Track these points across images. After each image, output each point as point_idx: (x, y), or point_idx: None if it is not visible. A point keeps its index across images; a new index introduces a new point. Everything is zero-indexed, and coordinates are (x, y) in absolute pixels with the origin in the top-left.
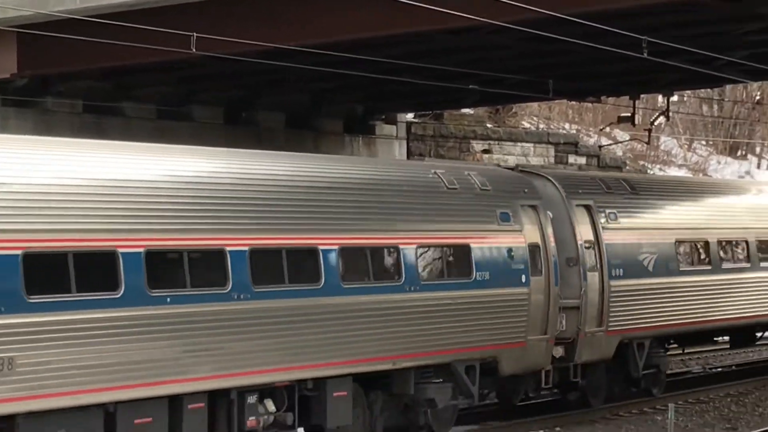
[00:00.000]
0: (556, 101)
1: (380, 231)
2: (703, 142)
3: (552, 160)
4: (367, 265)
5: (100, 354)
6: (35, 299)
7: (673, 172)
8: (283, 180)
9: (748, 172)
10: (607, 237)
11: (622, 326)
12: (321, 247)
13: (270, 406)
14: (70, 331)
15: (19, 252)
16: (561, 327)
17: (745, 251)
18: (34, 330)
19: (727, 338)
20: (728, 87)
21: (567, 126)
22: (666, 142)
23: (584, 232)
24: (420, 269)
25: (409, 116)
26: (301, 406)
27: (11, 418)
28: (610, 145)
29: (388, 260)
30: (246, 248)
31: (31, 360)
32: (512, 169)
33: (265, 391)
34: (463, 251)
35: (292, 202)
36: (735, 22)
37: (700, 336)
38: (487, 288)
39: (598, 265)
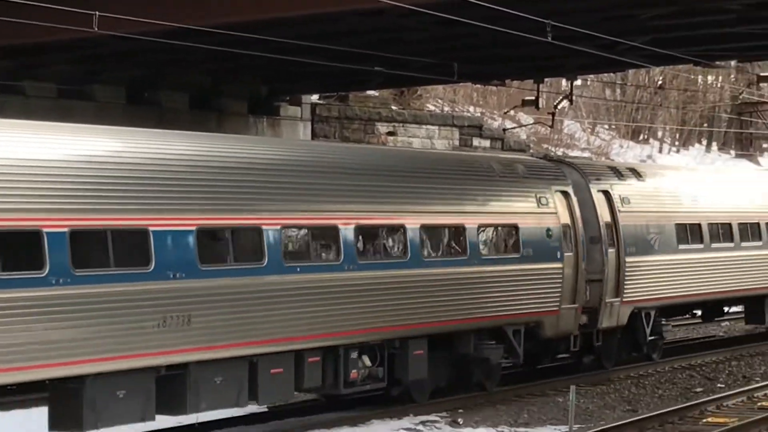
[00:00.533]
0: (461, 84)
1: (451, 213)
2: (606, 126)
3: (457, 142)
4: (441, 243)
5: (249, 315)
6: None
7: (576, 155)
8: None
9: (649, 156)
10: (622, 219)
11: (635, 297)
12: (409, 226)
13: (366, 361)
14: (233, 296)
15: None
16: (586, 297)
17: (729, 233)
18: (207, 293)
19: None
20: (631, 72)
21: (471, 109)
22: (569, 125)
23: (604, 214)
24: (480, 246)
25: (314, 98)
26: (389, 362)
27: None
28: (514, 128)
29: (457, 238)
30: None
31: (204, 318)
32: (544, 158)
33: (363, 348)
34: (513, 230)
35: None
36: (639, 7)
37: (696, 307)
38: (531, 263)
39: (615, 244)
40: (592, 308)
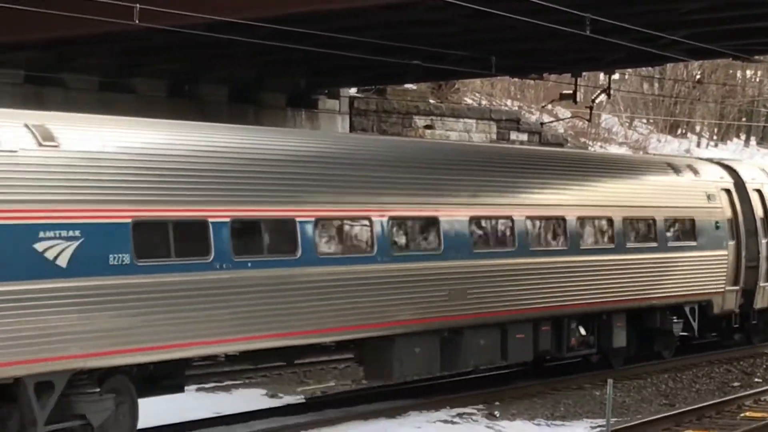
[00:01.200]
0: (499, 78)
1: (645, 208)
2: (644, 120)
3: (494, 136)
4: (637, 232)
5: (504, 291)
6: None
7: (614, 149)
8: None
9: (687, 151)
10: None
11: None
12: (616, 219)
13: (582, 330)
14: (496, 274)
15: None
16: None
17: None
18: (478, 272)
19: None
20: (669, 65)
21: (509, 103)
22: (607, 119)
23: (758, 209)
24: (668, 235)
25: (352, 91)
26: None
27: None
28: (551, 122)
29: (649, 229)
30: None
31: (476, 292)
32: (709, 160)
33: (580, 319)
34: (691, 223)
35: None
36: (678, 0)
37: None
38: (704, 250)
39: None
40: (748, 291)
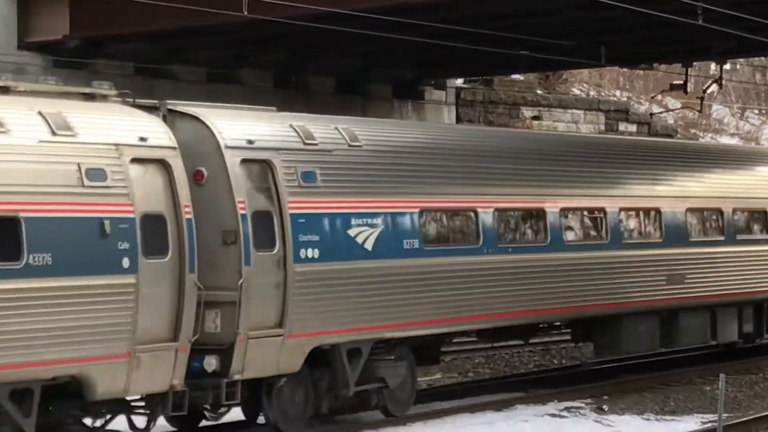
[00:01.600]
0: (607, 68)
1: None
2: (756, 111)
3: (602, 127)
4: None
5: (711, 278)
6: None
7: (725, 140)
8: None
9: None
10: None
11: None
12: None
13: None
14: (696, 262)
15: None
16: None
17: None
18: (696, 257)
19: None
20: None
21: (617, 93)
22: (718, 110)
23: None
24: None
25: (459, 82)
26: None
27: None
28: (661, 113)
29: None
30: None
31: (691, 276)
32: None
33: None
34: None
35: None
36: None
37: None
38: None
39: None
40: None
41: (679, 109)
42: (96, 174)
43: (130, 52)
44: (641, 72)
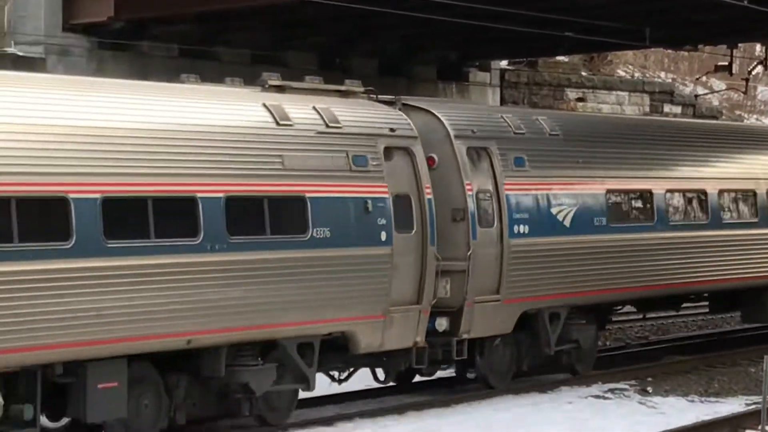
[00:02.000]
0: (652, 49)
1: None
2: None
3: (647, 108)
4: None
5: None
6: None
7: None
8: None
9: None
10: None
11: None
12: None
13: None
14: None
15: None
16: None
17: None
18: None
19: None
20: None
21: (662, 75)
22: (763, 92)
23: None
24: None
25: (503, 63)
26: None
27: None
28: (706, 94)
29: None
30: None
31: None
32: None
33: None
34: None
35: None
36: None
37: None
38: None
39: None
40: None
41: (724, 90)
42: (360, 160)
43: (175, 33)
44: (686, 53)
